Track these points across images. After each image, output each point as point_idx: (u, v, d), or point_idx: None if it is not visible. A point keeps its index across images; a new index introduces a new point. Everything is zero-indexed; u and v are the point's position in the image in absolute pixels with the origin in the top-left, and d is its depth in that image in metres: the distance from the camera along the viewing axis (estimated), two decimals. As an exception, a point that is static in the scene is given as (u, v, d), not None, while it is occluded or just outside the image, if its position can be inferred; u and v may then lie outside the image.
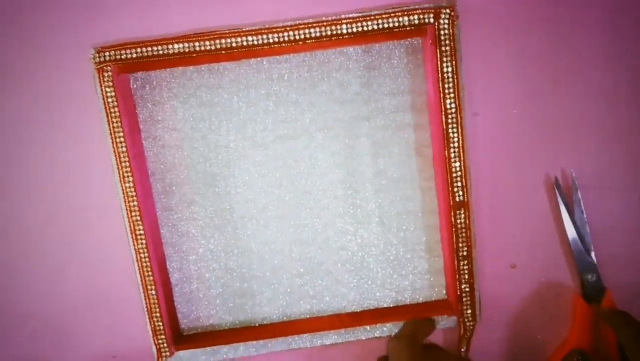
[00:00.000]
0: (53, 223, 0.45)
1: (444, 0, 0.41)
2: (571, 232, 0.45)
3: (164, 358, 0.45)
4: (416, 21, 0.40)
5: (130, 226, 0.43)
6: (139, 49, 0.41)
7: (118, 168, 0.42)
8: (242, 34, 0.40)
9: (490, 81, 0.44)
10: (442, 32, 0.40)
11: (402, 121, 0.44)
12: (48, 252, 0.45)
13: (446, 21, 0.40)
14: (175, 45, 0.40)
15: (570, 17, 0.43)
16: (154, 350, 0.45)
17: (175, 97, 0.43)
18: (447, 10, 0.40)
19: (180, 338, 0.47)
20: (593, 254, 0.45)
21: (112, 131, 0.41)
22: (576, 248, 0.45)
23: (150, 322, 0.44)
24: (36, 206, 0.45)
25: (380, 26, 0.40)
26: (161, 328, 0.44)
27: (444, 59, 0.41)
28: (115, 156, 0.42)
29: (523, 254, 0.47)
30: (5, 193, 0.45)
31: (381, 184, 0.45)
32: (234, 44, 0.40)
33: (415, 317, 0.46)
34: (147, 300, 0.44)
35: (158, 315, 0.44)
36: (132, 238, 0.43)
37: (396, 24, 0.40)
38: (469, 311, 0.45)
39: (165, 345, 0.45)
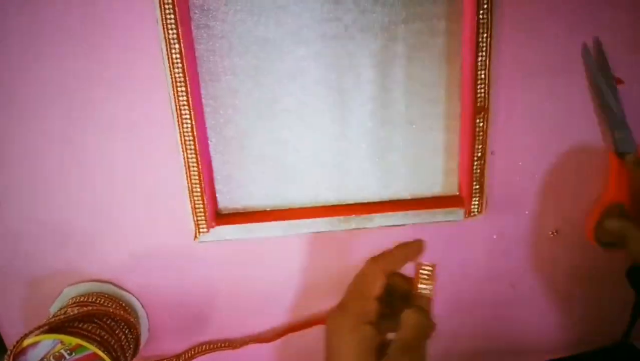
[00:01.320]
0: (99, 94, 0.48)
1: None
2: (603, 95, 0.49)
3: (201, 233, 0.50)
4: None
5: (176, 109, 0.45)
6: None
7: (167, 55, 0.44)
8: None
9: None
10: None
11: (437, 28, 0.47)
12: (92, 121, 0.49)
13: None
14: None
15: None
16: (193, 227, 0.50)
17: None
18: None
19: (219, 216, 0.52)
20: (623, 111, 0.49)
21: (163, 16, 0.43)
22: (607, 109, 0.49)
23: (190, 200, 0.48)
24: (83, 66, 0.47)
25: None
26: (201, 206, 0.49)
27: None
28: (166, 42, 0.44)
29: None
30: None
31: (411, 87, 0.49)
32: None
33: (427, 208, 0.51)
34: (189, 180, 0.48)
35: (198, 193, 0.48)
36: (178, 122, 0.46)
37: None
38: (477, 204, 0.51)
39: (203, 221, 0.49)
